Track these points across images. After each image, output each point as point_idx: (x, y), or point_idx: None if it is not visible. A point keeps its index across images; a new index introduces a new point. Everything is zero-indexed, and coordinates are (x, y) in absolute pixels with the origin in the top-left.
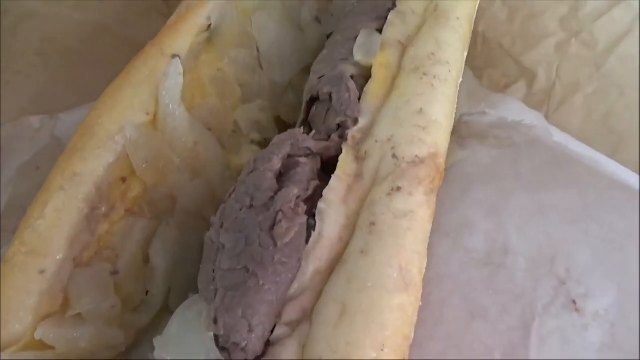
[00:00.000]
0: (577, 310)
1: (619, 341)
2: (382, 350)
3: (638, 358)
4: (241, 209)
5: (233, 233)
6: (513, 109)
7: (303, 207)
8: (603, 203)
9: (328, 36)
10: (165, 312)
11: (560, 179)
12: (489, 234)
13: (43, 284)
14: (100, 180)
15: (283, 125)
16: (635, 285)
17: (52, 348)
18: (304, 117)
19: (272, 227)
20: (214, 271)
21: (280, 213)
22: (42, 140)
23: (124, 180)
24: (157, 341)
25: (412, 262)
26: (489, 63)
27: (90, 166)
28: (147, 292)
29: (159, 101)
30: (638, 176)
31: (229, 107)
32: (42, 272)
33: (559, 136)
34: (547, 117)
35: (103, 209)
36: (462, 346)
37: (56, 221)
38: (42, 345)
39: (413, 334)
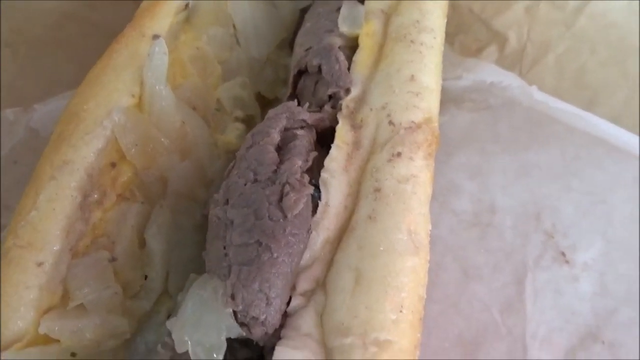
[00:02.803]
0: (567, 262)
1: (609, 289)
2: (400, 311)
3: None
4: (245, 184)
5: (241, 208)
6: (487, 72)
7: (307, 178)
8: (583, 158)
9: (302, 10)
10: (165, 296)
11: (539, 138)
12: (475, 195)
13: (42, 277)
14: (91, 166)
15: (264, 102)
16: (619, 234)
17: (57, 341)
18: (291, 91)
19: (280, 199)
20: (224, 248)
21: (287, 185)
22: (18, 133)
23: (113, 165)
24: (173, 323)
25: (420, 225)
26: (460, 29)
27: (80, 153)
28: (145, 277)
29: (144, 82)
30: (617, 128)
31: (211, 86)
32: (40, 264)
33: (539, 95)
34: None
35: (95, 196)
36: (460, 305)
37: (50, 212)
38: (46, 340)
39: (425, 294)
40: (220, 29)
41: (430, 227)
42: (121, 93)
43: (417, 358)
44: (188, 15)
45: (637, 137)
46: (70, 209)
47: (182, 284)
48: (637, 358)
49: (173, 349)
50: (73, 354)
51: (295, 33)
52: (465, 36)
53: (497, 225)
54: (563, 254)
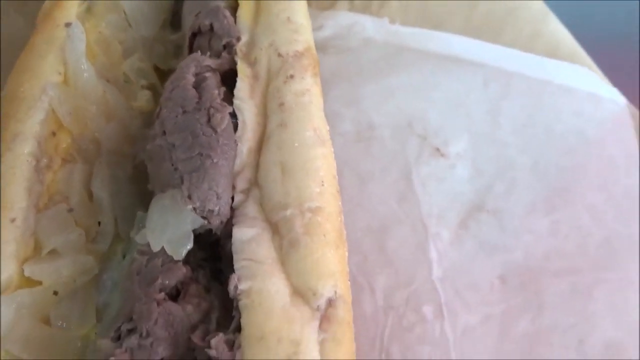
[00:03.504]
0: (442, 155)
1: (482, 170)
2: (322, 185)
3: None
4: (177, 116)
5: (178, 133)
6: (343, 19)
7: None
8: (437, 74)
9: None
10: (117, 238)
11: (397, 65)
12: (354, 118)
13: (16, 231)
14: (38, 135)
15: (160, 73)
16: (480, 127)
17: (40, 283)
18: (188, 52)
19: (209, 120)
20: (172, 165)
21: (212, 108)
22: None
23: (54, 134)
24: (143, 234)
25: (321, 124)
26: None
27: (27, 125)
28: (99, 224)
29: (67, 61)
30: (463, 41)
31: (116, 63)
32: (13, 220)
33: (390, 27)
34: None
35: (45, 161)
36: (364, 203)
37: (12, 177)
38: (30, 283)
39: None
40: (114, 15)
41: (328, 128)
42: (49, 73)
43: (341, 222)
44: (89, 6)
45: (482, 46)
46: (28, 172)
47: (129, 225)
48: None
49: (148, 252)
50: (55, 292)
51: (173, 13)
52: None
53: (378, 137)
54: (437, 149)
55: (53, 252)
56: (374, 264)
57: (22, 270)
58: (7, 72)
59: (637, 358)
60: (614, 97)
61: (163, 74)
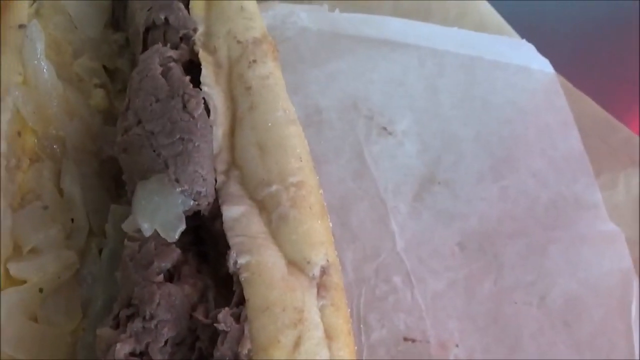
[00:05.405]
0: (389, 133)
1: (429, 144)
2: (300, 160)
3: None
4: (151, 105)
5: (156, 120)
6: (279, 10)
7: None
8: (374, 57)
9: None
10: (91, 234)
11: (334, 51)
12: (302, 103)
13: None
14: (7, 136)
15: (107, 72)
16: (422, 104)
17: (24, 282)
18: (142, 46)
19: (184, 106)
20: (154, 151)
21: (186, 95)
22: None
23: (19, 134)
24: (131, 222)
25: (288, 105)
26: None
27: None
28: (72, 220)
29: (27, 60)
30: (397, 23)
31: (68, 63)
32: None
33: (326, 14)
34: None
35: (14, 161)
36: (322, 184)
37: None
38: (14, 283)
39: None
40: (61, 17)
41: (293, 108)
42: (10, 74)
43: (322, 195)
44: (37, 8)
45: (414, 26)
46: (2, 174)
47: (102, 219)
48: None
49: (139, 239)
50: (40, 290)
51: (114, 14)
52: None
53: (326, 120)
54: (384, 128)
55: (33, 251)
56: (340, 240)
57: (7, 270)
58: None
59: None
60: (543, 68)
61: (111, 73)
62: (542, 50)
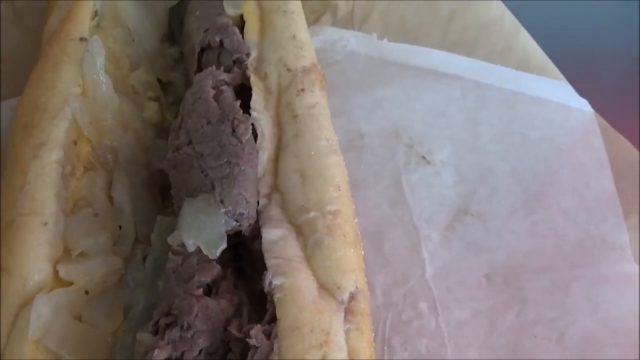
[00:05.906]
0: (428, 162)
1: (465, 175)
2: (339, 190)
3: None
4: (203, 127)
5: (206, 143)
6: (328, 34)
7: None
8: (419, 87)
9: (170, 9)
10: (137, 242)
11: (381, 78)
12: (344, 127)
13: (48, 234)
14: (63, 144)
15: (163, 85)
16: (461, 136)
17: (71, 283)
18: (197, 65)
19: (233, 131)
20: (202, 172)
21: (235, 120)
22: None
23: (75, 143)
24: (176, 236)
25: (331, 134)
26: None
27: (52, 135)
28: (120, 227)
29: (87, 73)
30: (441, 55)
31: (124, 76)
32: (45, 224)
33: (376, 43)
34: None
35: (69, 168)
36: (358, 208)
37: (41, 183)
38: (62, 284)
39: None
40: (120, 30)
41: (336, 138)
42: (69, 85)
43: (357, 224)
44: (98, 21)
45: (458, 59)
46: (56, 179)
47: (147, 228)
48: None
49: (182, 253)
50: (86, 292)
51: (170, 28)
52: (304, 9)
53: (367, 146)
54: (423, 157)
55: (82, 255)
56: (372, 264)
57: (56, 271)
58: (9, 83)
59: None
60: (582, 107)
61: (164, 86)
62: (583, 87)
